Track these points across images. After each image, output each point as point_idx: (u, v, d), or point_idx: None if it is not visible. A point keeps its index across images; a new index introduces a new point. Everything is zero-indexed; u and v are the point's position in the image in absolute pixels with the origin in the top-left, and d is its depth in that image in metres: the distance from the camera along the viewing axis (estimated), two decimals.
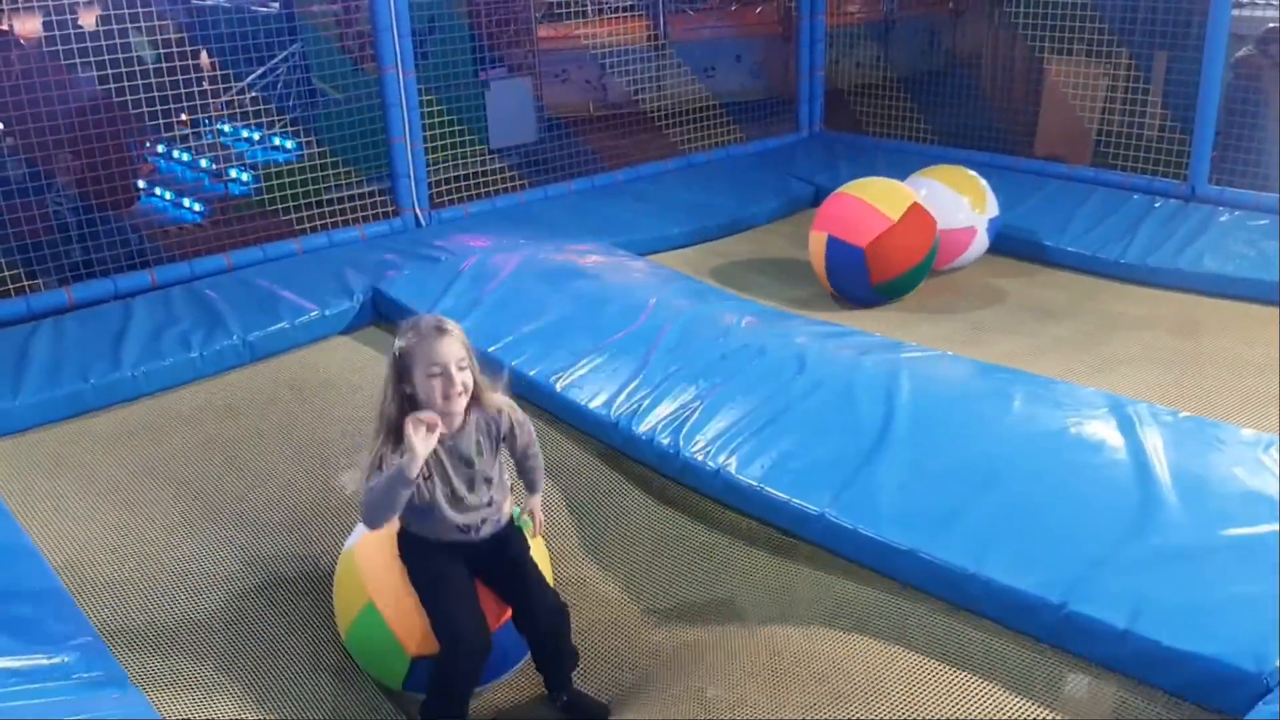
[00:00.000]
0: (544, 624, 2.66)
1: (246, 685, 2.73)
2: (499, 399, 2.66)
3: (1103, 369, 4.28)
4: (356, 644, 2.76)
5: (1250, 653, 2.40)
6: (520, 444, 2.72)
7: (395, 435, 2.49)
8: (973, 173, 5.42)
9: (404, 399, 2.52)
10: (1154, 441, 3.22)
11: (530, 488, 2.84)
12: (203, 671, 2.77)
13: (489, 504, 2.64)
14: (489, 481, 2.63)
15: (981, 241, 5.30)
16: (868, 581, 2.99)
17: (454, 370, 2.50)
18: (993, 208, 5.30)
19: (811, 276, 5.25)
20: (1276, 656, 2.38)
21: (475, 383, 2.56)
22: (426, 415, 2.43)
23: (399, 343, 2.53)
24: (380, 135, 5.87)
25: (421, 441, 2.39)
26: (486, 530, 2.65)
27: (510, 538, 2.72)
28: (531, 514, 2.83)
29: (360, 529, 2.79)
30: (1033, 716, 2.50)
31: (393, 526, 2.68)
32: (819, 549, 3.14)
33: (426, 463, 2.49)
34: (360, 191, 5.93)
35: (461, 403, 2.53)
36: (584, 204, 6.40)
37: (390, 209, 5.95)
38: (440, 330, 2.52)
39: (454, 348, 2.51)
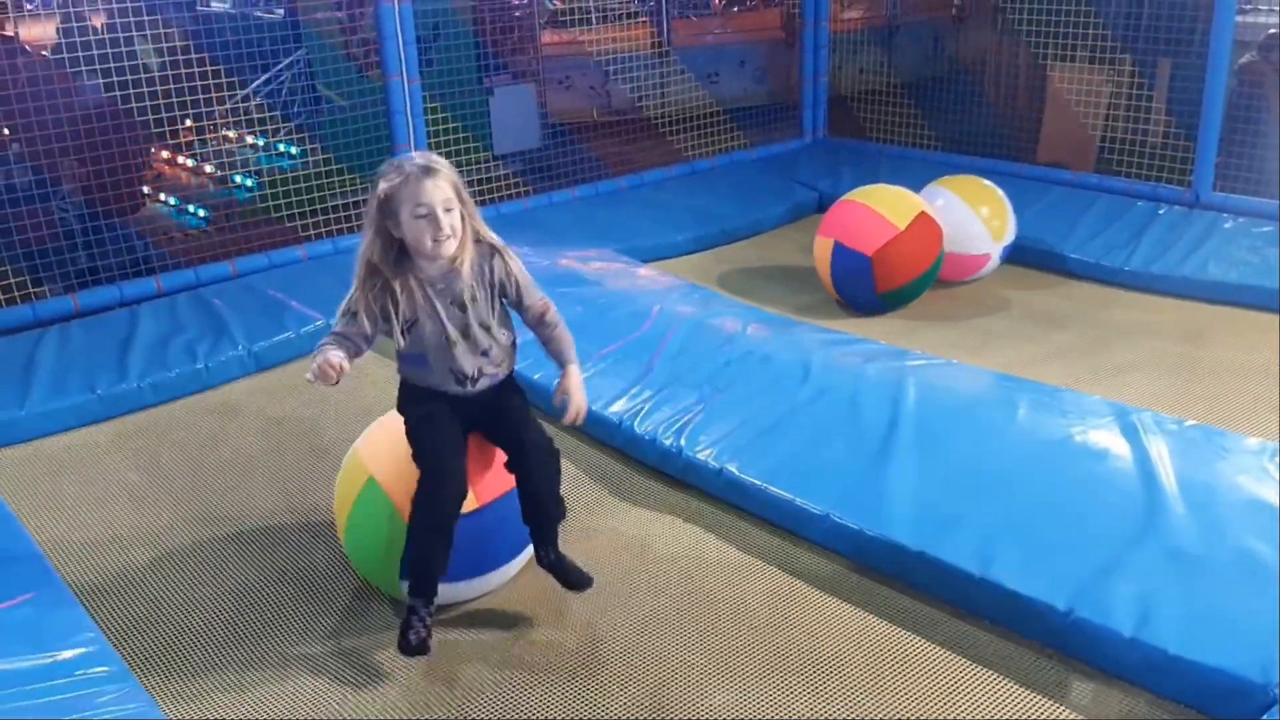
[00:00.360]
0: (533, 459, 2.62)
1: (251, 685, 2.73)
2: (492, 240, 2.58)
3: (1107, 376, 4.28)
4: (357, 529, 2.78)
5: (1257, 663, 2.40)
6: (516, 297, 2.62)
7: (375, 279, 2.51)
8: (997, 191, 5.30)
9: (389, 241, 2.48)
10: (1159, 450, 3.23)
11: (557, 360, 2.69)
12: (207, 672, 2.78)
13: (484, 353, 2.59)
14: (485, 328, 2.57)
15: (993, 265, 5.30)
16: (872, 583, 3.00)
17: (440, 212, 2.42)
18: (1010, 234, 5.25)
19: (816, 283, 5.25)
20: None
21: (467, 224, 2.49)
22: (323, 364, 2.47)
23: (383, 184, 2.46)
24: (385, 142, 5.88)
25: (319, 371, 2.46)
26: (484, 383, 2.62)
27: (509, 389, 2.69)
28: (566, 394, 2.67)
29: (369, 429, 2.84)
30: (1036, 718, 2.51)
31: (394, 418, 2.77)
32: (823, 550, 3.15)
33: (418, 306, 2.51)
34: (365, 198, 5.93)
35: (450, 246, 2.46)
36: (588, 210, 6.40)
37: None
38: (427, 170, 2.44)
39: (441, 188, 2.43)
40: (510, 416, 2.65)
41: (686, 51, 8.21)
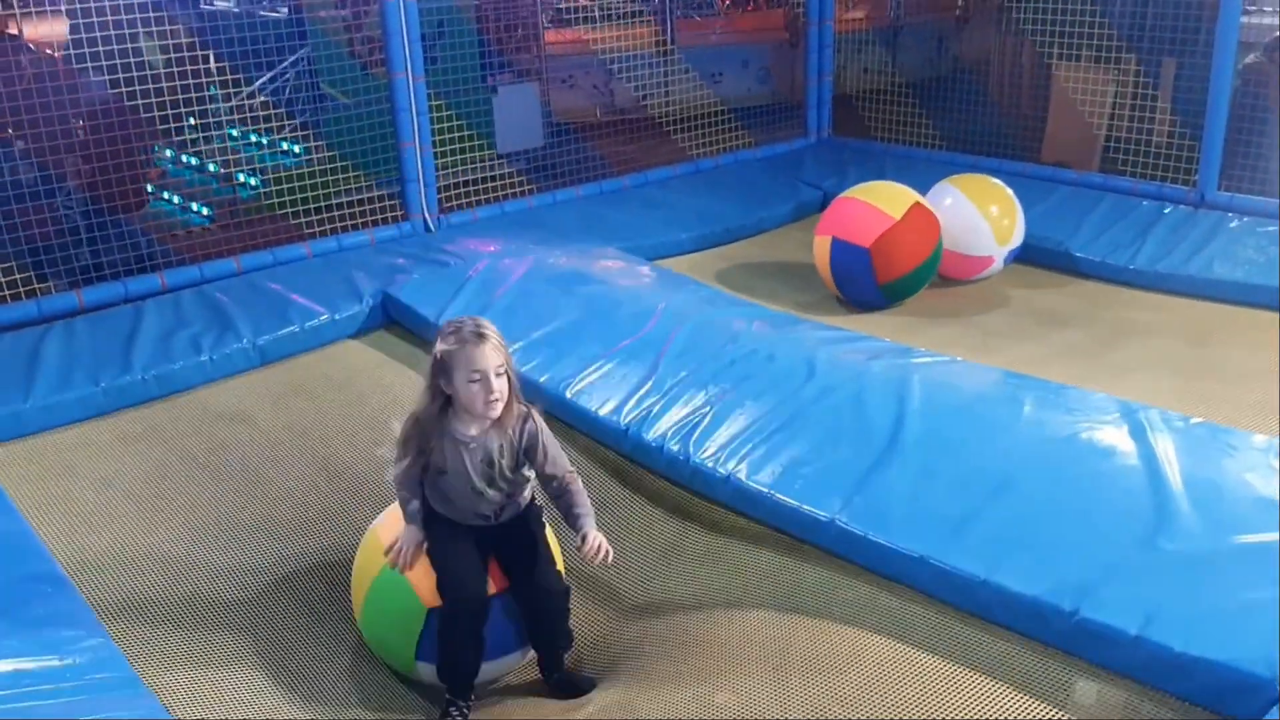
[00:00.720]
0: (541, 600, 2.74)
1: (259, 686, 2.73)
2: (522, 408, 2.73)
3: (1112, 375, 4.27)
4: (372, 608, 2.76)
5: (1263, 659, 2.40)
6: (540, 463, 2.75)
7: (420, 433, 2.65)
8: (1007, 191, 5.28)
9: (443, 399, 2.65)
10: (1165, 447, 3.22)
11: (572, 524, 2.76)
12: (215, 672, 2.78)
13: (508, 497, 2.74)
14: (507, 480, 2.71)
15: (996, 268, 5.29)
16: (878, 588, 2.99)
17: (492, 377, 2.59)
18: (1017, 238, 5.25)
19: (820, 281, 5.25)
20: None
21: (513, 388, 2.66)
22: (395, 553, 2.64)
23: (440, 346, 2.63)
24: (389, 140, 5.88)
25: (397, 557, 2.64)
26: (506, 515, 2.77)
27: (528, 518, 2.82)
28: (592, 550, 2.69)
29: (387, 512, 2.92)
30: (1042, 719, 2.50)
31: None
32: (829, 555, 3.14)
33: (448, 460, 2.65)
34: (369, 196, 5.94)
35: (498, 408, 2.63)
36: (592, 209, 6.40)
37: (399, 213, 5.96)
38: (480, 336, 2.61)
39: (493, 354, 2.60)
40: (526, 556, 2.76)
41: (690, 51, 8.21)
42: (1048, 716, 2.51)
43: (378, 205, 5.93)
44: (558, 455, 2.77)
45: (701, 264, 5.79)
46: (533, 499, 2.85)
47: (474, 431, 2.67)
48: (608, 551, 2.67)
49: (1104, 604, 2.63)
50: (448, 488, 2.71)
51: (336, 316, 4.85)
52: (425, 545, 2.70)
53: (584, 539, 2.67)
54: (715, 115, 7.47)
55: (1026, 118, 7.37)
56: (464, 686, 2.69)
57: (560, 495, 2.77)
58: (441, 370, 2.63)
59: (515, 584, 2.75)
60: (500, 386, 2.61)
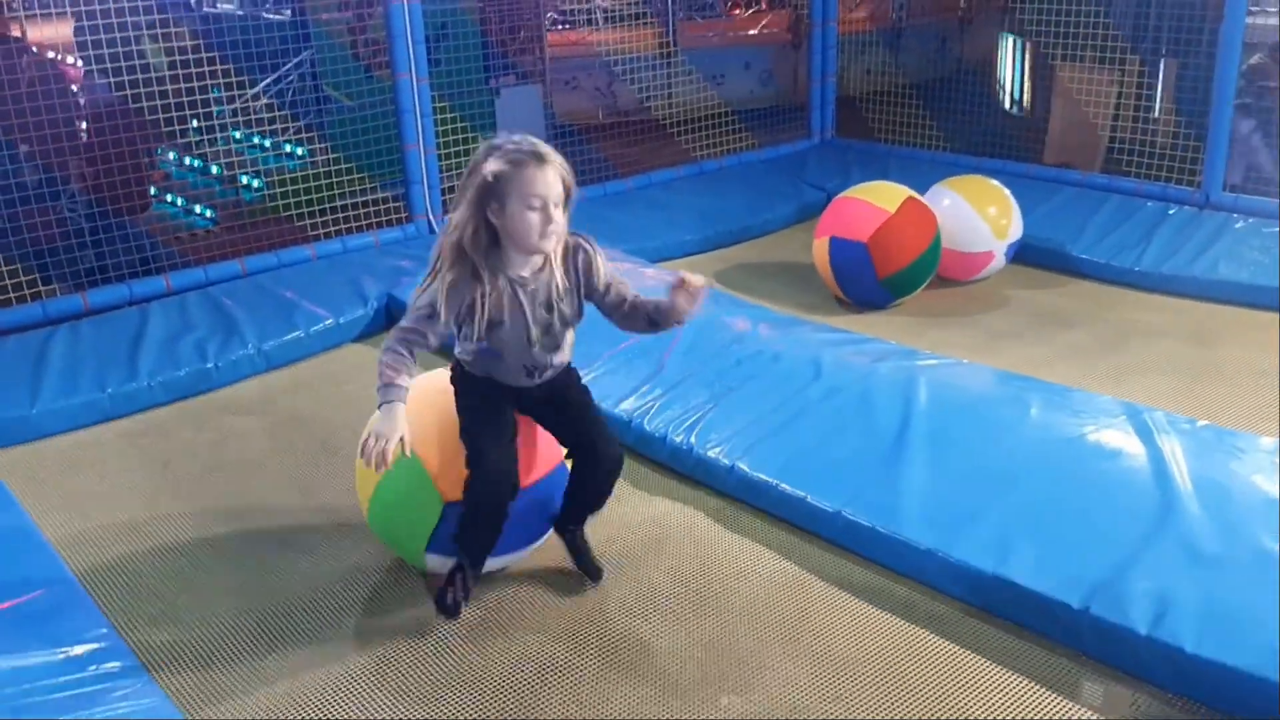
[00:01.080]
0: (603, 469, 2.61)
1: (265, 681, 2.73)
2: (572, 239, 2.47)
3: (1117, 377, 4.27)
4: (385, 498, 2.69)
5: (1275, 660, 2.39)
6: (601, 293, 2.50)
7: (462, 268, 2.34)
8: (1003, 190, 5.30)
9: (486, 228, 2.32)
10: (1173, 449, 3.22)
11: (660, 308, 2.54)
12: (221, 670, 2.78)
13: (557, 348, 2.53)
14: (566, 325, 2.50)
15: (998, 263, 5.29)
16: (884, 581, 3.00)
17: (552, 206, 2.29)
18: (1016, 231, 5.25)
19: (823, 284, 5.25)
20: None
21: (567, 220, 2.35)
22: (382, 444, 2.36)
23: (491, 165, 2.29)
24: (394, 142, 5.89)
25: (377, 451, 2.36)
26: (550, 373, 2.56)
27: (570, 381, 2.63)
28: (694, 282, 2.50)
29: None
30: (1049, 716, 2.50)
31: (435, 378, 2.73)
32: (835, 548, 3.15)
33: (505, 306, 2.38)
34: (373, 198, 5.95)
35: (552, 243, 2.35)
36: (595, 211, 6.39)
37: (403, 215, 5.96)
38: (543, 158, 2.29)
39: (555, 180, 2.30)
40: (577, 413, 2.60)
41: (693, 53, 8.22)
42: (1055, 713, 2.51)
43: (382, 207, 5.93)
44: (617, 275, 2.50)
45: (705, 265, 5.79)
46: (569, 362, 2.64)
47: (526, 272, 2.37)
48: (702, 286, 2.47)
49: (1114, 602, 2.63)
50: (500, 341, 2.41)
51: (341, 320, 4.85)
52: (405, 439, 2.38)
53: (683, 280, 2.45)
54: (718, 117, 7.48)
55: (1030, 118, 7.36)
56: (479, 558, 2.63)
57: (633, 310, 2.54)
58: (491, 194, 2.27)
59: (572, 449, 2.59)
60: (560, 219, 2.31)
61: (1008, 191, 5.30)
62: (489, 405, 2.52)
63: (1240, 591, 2.64)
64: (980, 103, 7.40)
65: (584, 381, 2.75)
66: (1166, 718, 2.48)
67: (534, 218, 2.28)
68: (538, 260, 2.38)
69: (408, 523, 2.72)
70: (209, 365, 4.43)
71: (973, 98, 7.41)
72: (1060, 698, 2.56)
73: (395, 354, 2.43)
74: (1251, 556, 2.75)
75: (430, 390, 2.76)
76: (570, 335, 2.60)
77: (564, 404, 2.60)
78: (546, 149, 2.30)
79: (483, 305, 2.40)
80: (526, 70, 7.65)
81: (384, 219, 5.92)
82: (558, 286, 2.42)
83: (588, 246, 2.48)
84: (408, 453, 2.38)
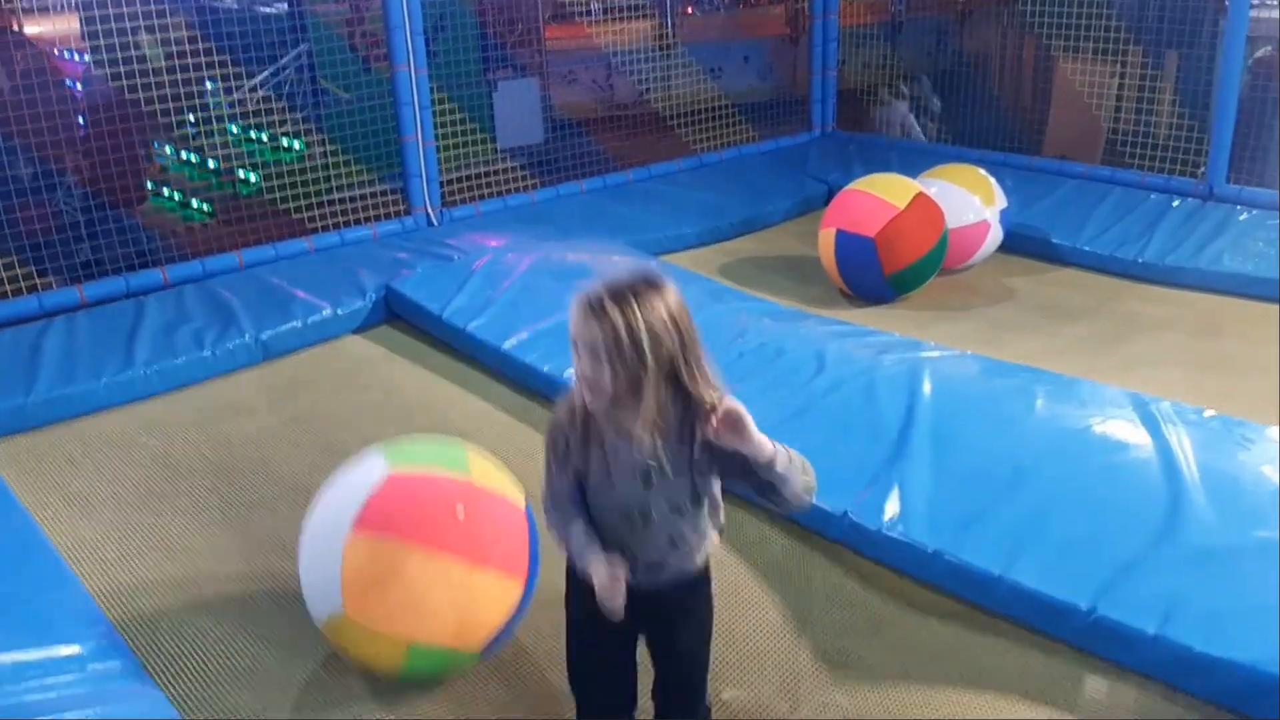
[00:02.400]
0: (678, 707, 2.18)
1: (261, 677, 2.70)
2: (714, 395, 1.90)
3: (1123, 369, 4.24)
4: (419, 666, 2.51)
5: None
6: (738, 460, 1.91)
7: (560, 434, 1.99)
8: (980, 170, 5.40)
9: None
10: (1181, 441, 3.18)
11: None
12: (218, 664, 2.75)
13: (671, 544, 1.99)
14: (679, 510, 1.97)
15: (995, 235, 5.27)
16: (891, 581, 2.97)
17: (583, 353, 1.85)
18: (1001, 200, 5.28)
19: (826, 276, 5.21)
20: None
21: (635, 379, 1.83)
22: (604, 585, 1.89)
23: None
24: (391, 134, 5.85)
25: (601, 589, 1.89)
26: (666, 577, 2.02)
27: (693, 595, 2.09)
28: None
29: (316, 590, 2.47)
30: (1056, 715, 2.46)
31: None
32: (840, 549, 3.11)
33: (592, 470, 1.96)
34: (371, 190, 5.90)
35: (593, 399, 1.90)
36: (596, 204, 6.37)
37: (402, 207, 5.92)
38: (581, 300, 1.83)
39: (592, 330, 1.81)
40: (680, 647, 2.14)
41: (692, 46, 8.17)
42: (1062, 712, 2.48)
43: (380, 200, 5.89)
44: (761, 440, 1.90)
45: (706, 258, 5.75)
46: (707, 566, 2.10)
47: (611, 434, 1.94)
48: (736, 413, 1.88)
49: (1122, 602, 2.60)
50: (600, 516, 1.99)
51: (339, 311, 4.81)
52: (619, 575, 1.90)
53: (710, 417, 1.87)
54: (718, 110, 7.44)
55: (1031, 111, 7.33)
56: None
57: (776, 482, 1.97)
58: None
59: (657, 670, 2.19)
60: (592, 371, 1.83)
61: (983, 170, 5.37)
62: (593, 628, 2.00)
63: (1250, 586, 2.61)
64: (980, 95, 7.37)
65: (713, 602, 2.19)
66: (1173, 716, 2.45)
67: (577, 366, 1.89)
68: (616, 420, 1.93)
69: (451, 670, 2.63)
70: (205, 355, 4.39)
71: (972, 91, 7.38)
72: (1067, 696, 2.53)
73: (551, 516, 2.07)
74: (1261, 550, 2.72)
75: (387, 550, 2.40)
76: (701, 530, 2.05)
77: (673, 627, 2.11)
78: (599, 293, 1.83)
79: (586, 468, 2.01)
80: (524, 63, 7.61)
81: (382, 211, 5.88)
82: (657, 458, 1.93)
83: (725, 404, 1.89)
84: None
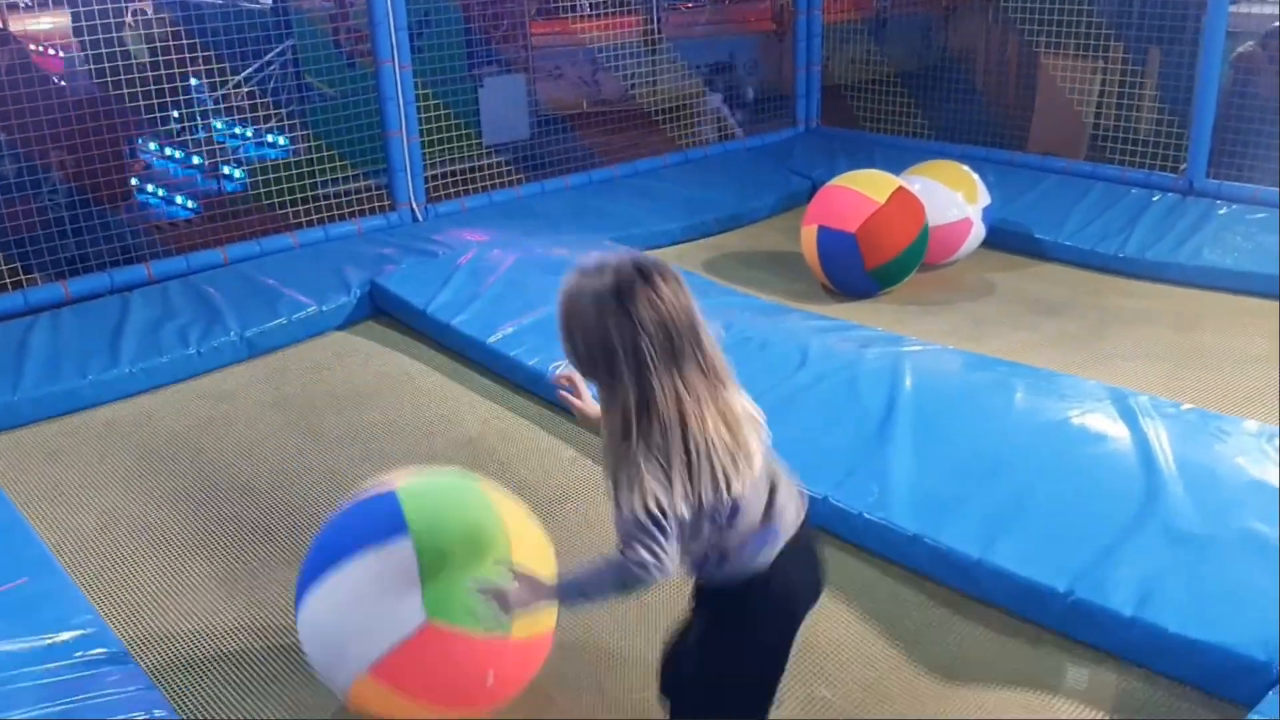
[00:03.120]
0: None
1: (249, 666, 2.72)
2: None
3: (1103, 363, 4.28)
4: None
5: (1260, 641, 2.41)
6: None
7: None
8: (963, 166, 5.44)
9: None
10: (1158, 433, 3.23)
11: None
12: (205, 652, 2.77)
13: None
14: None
15: (978, 232, 5.31)
16: (871, 568, 3.00)
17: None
18: (984, 196, 5.32)
19: (810, 272, 5.24)
20: None
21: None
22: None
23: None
24: (376, 129, 5.85)
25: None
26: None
27: (699, 613, 2.01)
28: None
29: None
30: (1036, 700, 2.50)
31: None
32: (822, 533, 3.13)
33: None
34: (356, 186, 5.90)
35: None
36: (581, 199, 6.38)
37: (387, 203, 5.92)
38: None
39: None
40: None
41: (678, 43, 8.19)
42: (1043, 697, 2.51)
43: (365, 196, 5.89)
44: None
45: (691, 254, 5.78)
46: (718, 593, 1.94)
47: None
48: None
49: (1099, 585, 2.64)
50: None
51: (324, 307, 4.82)
52: None
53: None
54: (703, 106, 7.45)
55: (1014, 106, 7.37)
56: None
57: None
58: None
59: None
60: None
61: (966, 167, 5.41)
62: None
63: (1225, 572, 2.65)
64: (964, 92, 7.41)
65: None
66: (1152, 699, 2.49)
67: None
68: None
69: None
70: (191, 351, 4.40)
71: (957, 87, 7.41)
72: (1047, 680, 2.56)
73: None
74: (1236, 538, 2.76)
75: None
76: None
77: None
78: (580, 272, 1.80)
79: None
80: (510, 59, 7.61)
81: (367, 207, 5.88)
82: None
83: None
84: None
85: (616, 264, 1.80)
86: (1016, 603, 2.75)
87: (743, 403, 1.89)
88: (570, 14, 7.66)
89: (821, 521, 3.13)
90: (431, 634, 2.18)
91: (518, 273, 4.87)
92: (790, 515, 1.92)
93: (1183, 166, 5.91)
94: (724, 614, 1.94)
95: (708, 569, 1.90)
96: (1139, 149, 6.15)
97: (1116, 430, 3.28)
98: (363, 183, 5.92)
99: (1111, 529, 2.84)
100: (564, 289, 1.83)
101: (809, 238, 5.11)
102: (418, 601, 2.18)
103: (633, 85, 7.47)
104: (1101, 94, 6.73)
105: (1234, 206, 5.56)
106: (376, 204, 5.91)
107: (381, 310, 4.96)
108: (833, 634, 2.76)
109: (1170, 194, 5.83)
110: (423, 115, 5.96)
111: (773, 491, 1.89)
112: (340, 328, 4.86)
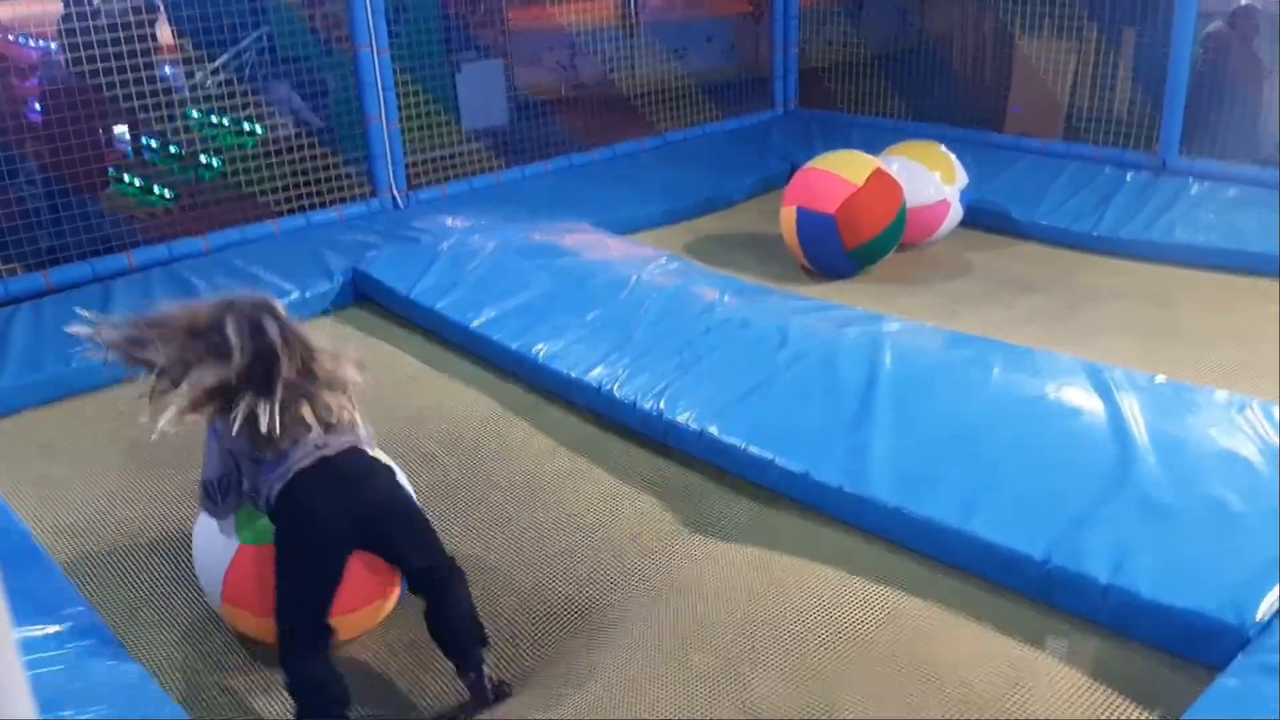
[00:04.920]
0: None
1: (237, 653, 2.75)
2: None
3: (1078, 338, 4.34)
4: None
5: (1230, 604, 2.47)
6: None
7: None
8: (941, 146, 5.49)
9: None
10: (1131, 404, 3.29)
11: None
12: (194, 639, 2.79)
13: None
14: None
15: (956, 212, 5.37)
16: (852, 540, 3.05)
17: None
18: (962, 178, 5.38)
19: (789, 253, 5.29)
20: (1257, 609, 2.45)
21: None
22: None
23: None
24: (356, 115, 5.84)
25: None
26: None
27: None
28: None
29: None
30: (1018, 662, 2.56)
31: None
32: (803, 508, 3.20)
33: None
34: (336, 173, 5.90)
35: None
36: (562, 184, 6.40)
37: (367, 190, 5.92)
38: None
39: None
40: None
41: (655, 26, 8.20)
42: (1021, 664, 2.57)
43: (345, 182, 5.89)
44: None
45: (672, 237, 5.81)
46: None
47: None
48: None
49: (1075, 553, 2.70)
50: None
51: (307, 294, 4.83)
52: None
53: None
54: (682, 89, 7.48)
55: (990, 88, 7.43)
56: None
57: None
58: None
59: None
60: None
61: (944, 147, 5.46)
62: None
63: (1196, 539, 2.72)
64: (941, 73, 7.45)
65: None
66: (1128, 663, 2.55)
67: None
68: None
69: None
70: None
71: (934, 68, 7.46)
72: (1026, 645, 2.62)
73: None
74: (1207, 505, 2.83)
75: None
76: None
77: None
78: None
79: None
80: (488, 45, 7.60)
81: (348, 194, 5.88)
82: None
83: None
84: None
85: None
86: (994, 571, 2.81)
87: None
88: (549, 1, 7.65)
89: (802, 497, 3.20)
90: (244, 553, 2.60)
91: (500, 257, 4.89)
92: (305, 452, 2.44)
93: (1156, 145, 5.98)
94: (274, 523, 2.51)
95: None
96: (1113, 128, 6.22)
97: (1090, 403, 3.34)
98: (343, 170, 5.91)
99: (1086, 498, 2.90)
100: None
101: (788, 219, 5.15)
102: (233, 528, 2.63)
103: (611, 69, 7.48)
104: (1076, 74, 6.79)
105: (1206, 184, 5.63)
106: (357, 190, 5.91)
107: (365, 296, 4.98)
108: (818, 602, 2.81)
109: (1144, 172, 5.90)
110: (402, 102, 5.96)
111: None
112: (324, 314, 4.87)
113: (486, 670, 2.54)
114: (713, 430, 3.43)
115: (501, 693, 2.55)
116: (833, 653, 2.64)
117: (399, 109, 5.89)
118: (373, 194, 5.91)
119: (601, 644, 2.73)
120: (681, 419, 3.51)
